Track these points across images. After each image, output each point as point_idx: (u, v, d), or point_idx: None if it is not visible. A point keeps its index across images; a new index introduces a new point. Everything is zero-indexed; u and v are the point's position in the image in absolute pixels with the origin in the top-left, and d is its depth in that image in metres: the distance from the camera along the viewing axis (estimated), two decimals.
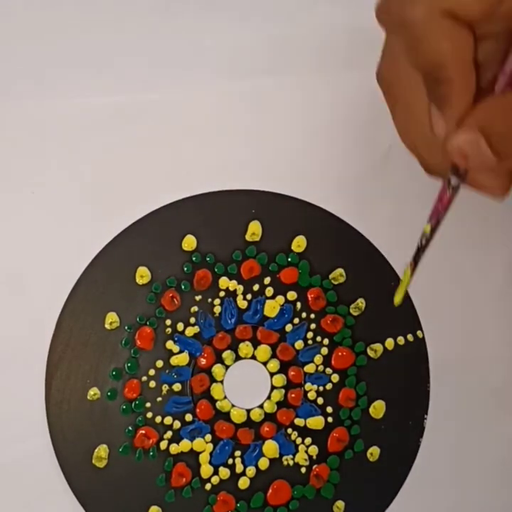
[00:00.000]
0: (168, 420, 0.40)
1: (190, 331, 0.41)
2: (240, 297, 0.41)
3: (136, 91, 0.42)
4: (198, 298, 0.41)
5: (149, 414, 0.40)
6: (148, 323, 0.40)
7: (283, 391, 0.41)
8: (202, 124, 0.42)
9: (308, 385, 0.41)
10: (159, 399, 0.40)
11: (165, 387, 0.40)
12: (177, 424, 0.40)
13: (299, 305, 0.41)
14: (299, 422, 0.40)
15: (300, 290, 0.41)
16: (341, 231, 0.42)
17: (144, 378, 0.40)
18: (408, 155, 0.33)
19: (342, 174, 0.43)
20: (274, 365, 0.41)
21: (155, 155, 0.42)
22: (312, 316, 0.41)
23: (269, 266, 0.41)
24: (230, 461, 0.40)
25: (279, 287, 0.41)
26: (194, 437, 0.40)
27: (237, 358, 0.41)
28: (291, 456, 0.40)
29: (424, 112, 0.29)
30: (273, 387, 0.41)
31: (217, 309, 0.41)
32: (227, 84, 0.43)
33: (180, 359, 0.40)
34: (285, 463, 0.40)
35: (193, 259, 0.41)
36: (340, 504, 0.40)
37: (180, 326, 0.41)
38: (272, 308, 0.41)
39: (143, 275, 0.41)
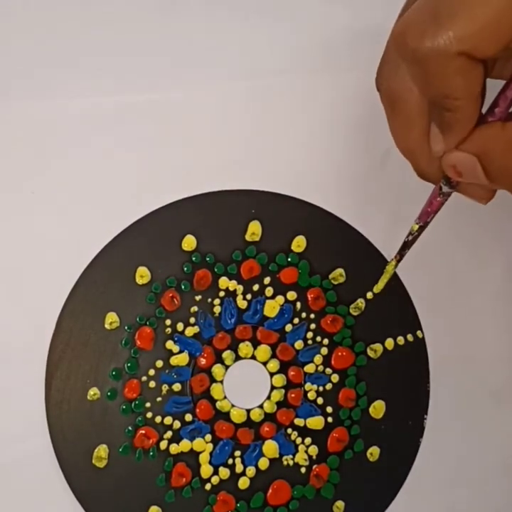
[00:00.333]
0: (168, 420, 0.40)
1: (190, 331, 0.41)
2: (239, 297, 0.41)
3: (136, 91, 0.42)
4: (197, 298, 0.41)
5: (149, 414, 0.40)
6: (148, 323, 0.40)
7: (283, 391, 0.41)
8: (202, 124, 0.42)
9: (308, 385, 0.41)
10: (159, 399, 0.40)
11: (165, 387, 0.40)
12: (177, 424, 0.40)
13: (298, 305, 0.41)
14: (298, 422, 0.40)
15: (300, 290, 0.41)
16: (341, 231, 0.42)
17: (144, 378, 0.40)
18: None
19: (342, 174, 0.43)
20: (274, 365, 0.41)
21: (155, 155, 0.42)
22: (312, 316, 0.41)
23: (269, 266, 0.41)
24: (230, 461, 0.40)
25: (279, 287, 0.41)
26: (194, 437, 0.40)
27: (237, 358, 0.41)
28: (291, 456, 0.40)
29: (423, 126, 0.29)
30: (273, 387, 0.41)
31: (217, 309, 0.41)
32: (227, 84, 0.43)
33: (180, 359, 0.40)
34: (285, 463, 0.40)
35: (193, 259, 0.41)
36: (340, 504, 0.40)
37: (180, 326, 0.41)
38: (271, 308, 0.41)
39: (143, 275, 0.41)
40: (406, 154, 0.31)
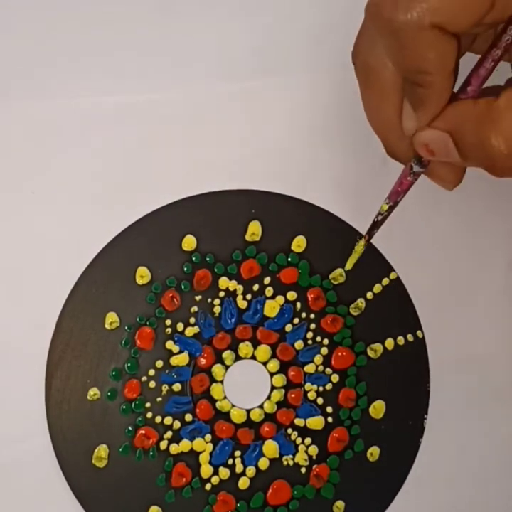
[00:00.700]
0: (168, 420, 0.40)
1: (190, 331, 0.41)
2: (239, 297, 0.41)
3: (136, 91, 0.42)
4: (197, 298, 0.41)
5: (149, 414, 0.40)
6: (148, 323, 0.40)
7: (283, 391, 0.41)
8: (202, 124, 0.42)
9: (308, 385, 0.41)
10: (159, 399, 0.40)
11: (165, 387, 0.40)
12: (177, 424, 0.40)
13: (298, 305, 0.41)
14: (298, 422, 0.40)
15: (300, 290, 0.41)
16: (341, 231, 0.42)
17: (144, 378, 0.40)
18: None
19: (342, 174, 0.43)
20: (274, 365, 0.41)
21: (155, 155, 0.42)
22: (312, 316, 0.41)
23: (269, 266, 0.41)
24: (230, 461, 0.40)
25: (279, 287, 0.41)
26: (194, 437, 0.40)
27: (237, 358, 0.41)
28: (291, 456, 0.40)
29: (396, 102, 0.30)
30: (273, 387, 0.41)
31: (217, 309, 0.41)
32: (227, 84, 0.43)
33: (180, 359, 0.40)
34: (285, 463, 0.40)
35: (193, 259, 0.41)
36: (340, 504, 0.40)
37: (180, 326, 0.41)
38: (271, 308, 0.41)
39: (143, 275, 0.41)
40: (377, 131, 0.31)
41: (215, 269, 0.41)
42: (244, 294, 0.41)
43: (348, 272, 0.41)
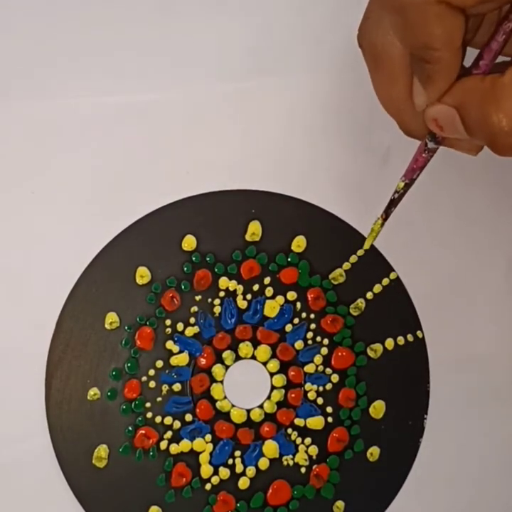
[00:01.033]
0: (168, 420, 0.40)
1: (190, 331, 0.41)
2: (239, 297, 0.41)
3: (136, 91, 0.42)
4: (197, 298, 0.41)
5: (149, 414, 0.40)
6: (148, 323, 0.40)
7: (283, 391, 0.41)
8: (202, 124, 0.42)
9: (308, 385, 0.41)
10: (159, 399, 0.40)
11: (165, 387, 0.40)
12: (177, 424, 0.40)
13: (298, 305, 0.41)
14: (298, 422, 0.40)
15: (300, 290, 0.41)
16: (341, 231, 0.42)
17: (144, 378, 0.40)
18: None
19: (342, 174, 0.43)
20: (274, 365, 0.41)
21: (155, 155, 0.42)
22: (312, 316, 0.41)
23: (269, 266, 0.41)
24: (230, 461, 0.40)
25: (279, 287, 0.41)
26: (194, 437, 0.40)
27: (237, 358, 0.41)
28: (291, 456, 0.40)
29: (406, 80, 0.30)
30: (273, 387, 0.41)
31: (217, 309, 0.41)
32: (227, 84, 0.43)
33: (180, 359, 0.40)
34: (285, 463, 0.40)
35: (193, 259, 0.41)
36: (340, 504, 0.40)
37: (180, 326, 0.41)
38: (271, 308, 0.41)
39: (143, 275, 0.41)
40: (390, 110, 0.31)
41: (215, 269, 0.41)
42: (244, 294, 0.41)
43: (348, 272, 0.41)
